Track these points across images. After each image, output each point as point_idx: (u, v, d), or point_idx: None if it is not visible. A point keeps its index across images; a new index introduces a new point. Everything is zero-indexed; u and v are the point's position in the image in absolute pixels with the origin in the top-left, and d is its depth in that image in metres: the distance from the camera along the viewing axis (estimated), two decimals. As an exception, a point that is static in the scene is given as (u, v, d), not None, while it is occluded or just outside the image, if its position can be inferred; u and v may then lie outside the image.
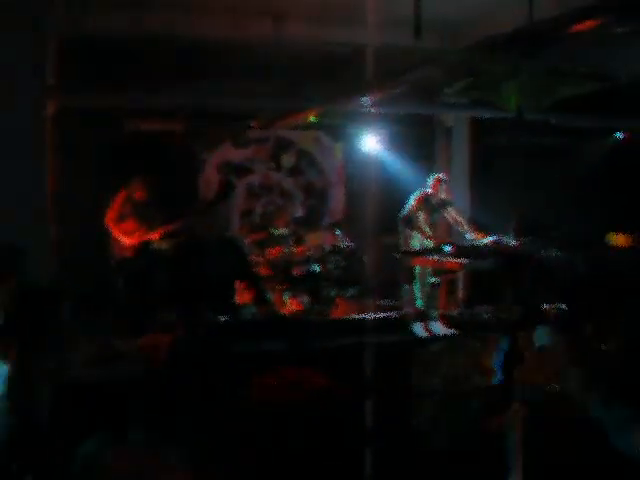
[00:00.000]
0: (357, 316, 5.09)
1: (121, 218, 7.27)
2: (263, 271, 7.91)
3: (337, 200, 10.61)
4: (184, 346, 4.17)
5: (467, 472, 2.97)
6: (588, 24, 4.60)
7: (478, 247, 7.50)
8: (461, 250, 7.37)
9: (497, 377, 3.36)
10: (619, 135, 9.40)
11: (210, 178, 9.75)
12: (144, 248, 7.20)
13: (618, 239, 7.68)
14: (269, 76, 7.50)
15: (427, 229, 8.24)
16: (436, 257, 7.58)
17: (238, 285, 5.64)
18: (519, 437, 2.82)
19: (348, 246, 8.55)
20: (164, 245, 7.22)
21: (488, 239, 7.61)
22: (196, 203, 9.32)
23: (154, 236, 7.25)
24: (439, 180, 8.30)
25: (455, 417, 3.24)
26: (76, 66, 7.27)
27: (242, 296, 6.46)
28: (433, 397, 3.35)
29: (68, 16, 6.88)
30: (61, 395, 3.64)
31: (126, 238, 7.22)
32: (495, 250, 7.36)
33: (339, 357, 4.04)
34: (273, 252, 8.28)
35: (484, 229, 8.03)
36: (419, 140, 10.20)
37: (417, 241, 8.22)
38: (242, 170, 10.01)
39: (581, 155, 9.78)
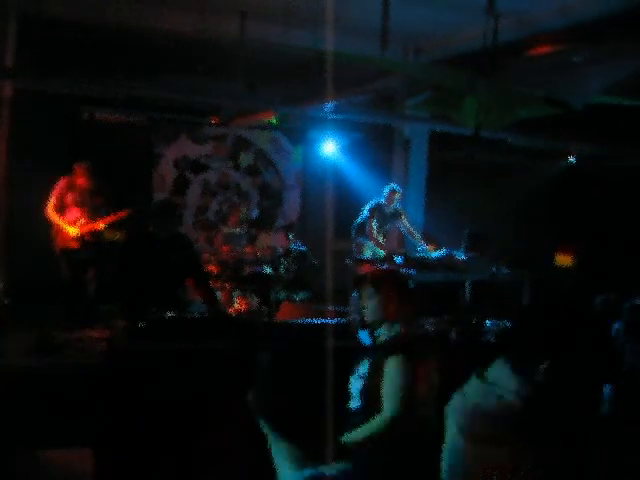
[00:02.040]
0: (301, 320, 5.10)
1: (63, 206, 7.06)
2: (213, 269, 7.87)
3: (292, 203, 10.63)
4: (124, 340, 4.12)
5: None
6: (546, 49, 4.71)
7: (428, 259, 7.59)
8: (411, 261, 7.44)
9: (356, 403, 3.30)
10: (572, 158, 9.60)
11: (165, 172, 9.67)
12: (88, 238, 7.04)
13: (563, 259, 7.85)
14: (231, 74, 7.47)
15: (380, 238, 8.30)
16: (386, 266, 7.64)
17: (187, 282, 5.59)
18: None
19: (300, 250, 8.55)
20: (111, 236, 7.09)
21: (439, 252, 7.71)
22: (148, 196, 9.23)
23: (98, 225, 7.07)
24: (394, 191, 8.37)
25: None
26: (35, 49, 7.16)
27: (191, 293, 6.43)
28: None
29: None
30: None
31: (69, 227, 7.00)
32: (444, 264, 7.46)
33: (280, 360, 4.05)
34: (225, 251, 8.25)
35: (437, 242, 8.13)
36: (377, 149, 10.27)
37: (369, 249, 8.28)
38: (199, 166, 9.94)
39: (534, 175, 9.97)
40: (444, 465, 2.32)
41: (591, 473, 2.28)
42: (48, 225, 7.07)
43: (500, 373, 2.25)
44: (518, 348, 2.35)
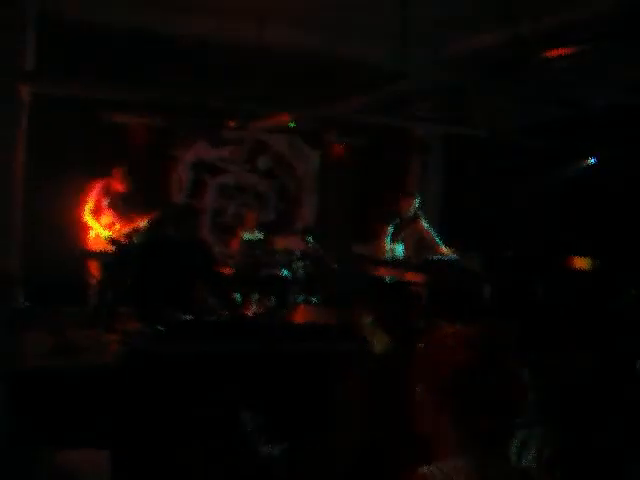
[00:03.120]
0: (319, 322, 5.10)
1: (98, 210, 7.09)
2: (230, 272, 7.89)
3: (310, 206, 10.62)
4: (141, 342, 4.14)
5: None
6: (562, 50, 4.67)
7: (443, 262, 7.56)
8: (426, 264, 7.42)
9: None
10: (591, 160, 9.51)
11: (182, 175, 9.70)
12: (122, 241, 7.06)
13: (579, 262, 7.76)
14: (249, 77, 7.49)
15: (398, 242, 8.28)
16: (400, 269, 7.63)
17: (202, 285, 5.62)
18: None
19: (318, 253, 8.54)
20: (132, 240, 7.13)
21: (453, 255, 7.68)
22: (165, 199, 9.26)
23: (137, 225, 7.07)
24: (411, 196, 8.35)
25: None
26: (53, 52, 7.21)
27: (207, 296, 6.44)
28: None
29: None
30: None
31: (102, 230, 7.03)
32: (458, 266, 7.43)
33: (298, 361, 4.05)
34: (241, 253, 8.25)
35: (452, 245, 8.09)
36: (394, 152, 10.25)
37: (388, 253, 8.25)
38: (216, 169, 9.97)
39: (552, 178, 9.89)
40: None
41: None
42: (67, 227, 7.12)
43: None
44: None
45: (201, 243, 5.70)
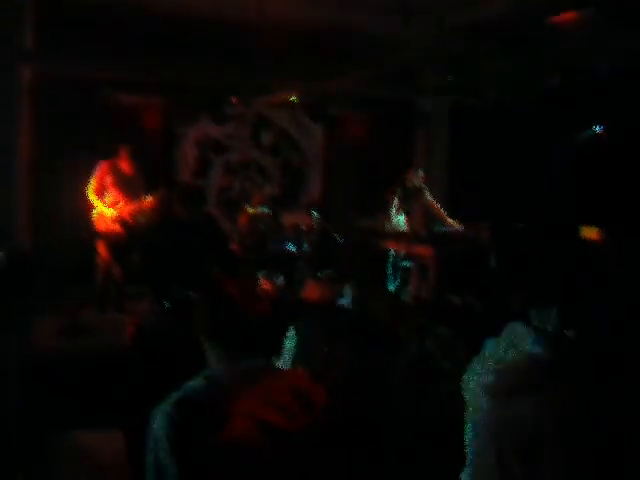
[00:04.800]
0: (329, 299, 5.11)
1: (104, 189, 7.07)
2: (237, 248, 7.89)
3: (315, 181, 10.59)
4: (153, 321, 4.16)
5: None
6: (570, 15, 4.61)
7: (450, 234, 7.56)
8: (433, 236, 7.42)
9: None
10: (597, 129, 9.44)
11: (187, 153, 9.67)
12: (128, 220, 7.03)
13: (591, 233, 7.72)
14: (252, 53, 7.44)
15: (402, 215, 8.26)
16: (408, 241, 7.63)
17: (213, 262, 5.61)
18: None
19: (324, 227, 8.54)
20: (138, 219, 7.10)
21: (460, 227, 7.68)
22: (170, 177, 9.23)
23: (144, 204, 7.04)
24: (415, 167, 8.33)
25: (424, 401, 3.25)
26: (54, 31, 7.16)
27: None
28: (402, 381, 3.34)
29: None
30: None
31: (108, 209, 7.02)
32: (467, 238, 7.42)
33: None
34: (248, 230, 8.25)
35: (459, 217, 8.08)
36: (399, 124, 10.19)
37: (400, 224, 8.25)
38: (220, 146, 9.93)
39: (560, 147, 9.82)
40: (468, 426, 2.33)
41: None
42: (74, 207, 7.11)
43: (515, 330, 2.28)
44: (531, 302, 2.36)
45: (209, 220, 5.67)
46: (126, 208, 7.04)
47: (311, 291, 6.66)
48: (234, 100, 9.43)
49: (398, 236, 7.97)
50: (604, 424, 2.07)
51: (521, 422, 2.07)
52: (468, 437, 2.28)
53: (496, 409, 2.18)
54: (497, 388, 2.19)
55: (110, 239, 7.06)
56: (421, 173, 8.29)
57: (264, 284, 7.82)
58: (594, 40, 6.37)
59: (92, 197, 7.00)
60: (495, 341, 2.34)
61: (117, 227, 7.01)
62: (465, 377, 2.38)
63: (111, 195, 7.06)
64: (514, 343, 2.25)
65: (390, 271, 8.29)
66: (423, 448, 2.97)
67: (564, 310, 2.26)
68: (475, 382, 2.29)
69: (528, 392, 2.11)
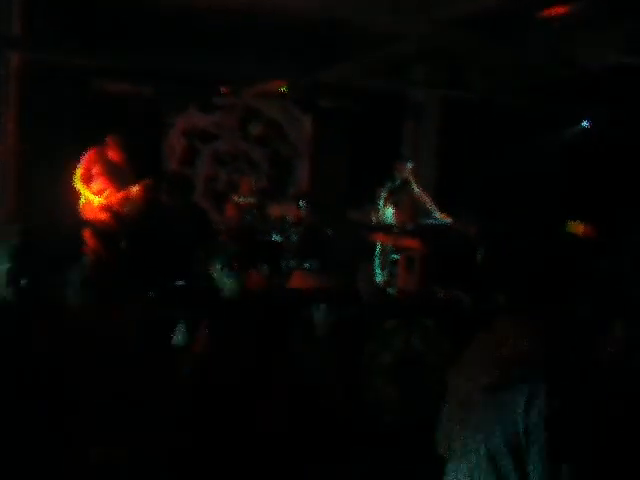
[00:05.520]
0: (315, 288, 5.11)
1: (91, 177, 7.03)
2: (224, 238, 7.87)
3: (303, 171, 10.57)
4: (139, 311, 4.14)
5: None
6: (558, 10, 4.62)
7: (438, 227, 7.58)
8: (421, 229, 7.43)
9: None
10: (586, 123, 9.47)
11: (174, 142, 9.63)
12: (115, 209, 7.00)
13: (578, 228, 7.75)
14: (241, 43, 7.40)
15: (390, 207, 8.27)
16: (396, 234, 7.64)
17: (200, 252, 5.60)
18: None
19: (311, 218, 8.52)
20: (125, 207, 7.08)
21: (449, 220, 7.70)
22: (158, 167, 9.20)
23: (131, 193, 7.00)
24: (404, 162, 8.33)
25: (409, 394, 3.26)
26: (42, 18, 7.10)
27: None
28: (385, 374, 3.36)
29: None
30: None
31: (95, 198, 6.98)
32: (454, 231, 7.44)
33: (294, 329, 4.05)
34: (235, 220, 8.23)
35: (448, 209, 8.10)
36: (388, 116, 10.18)
37: (388, 216, 8.25)
38: (208, 136, 9.90)
39: (548, 141, 9.86)
40: (456, 421, 2.35)
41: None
42: (60, 194, 7.08)
43: (503, 324, 2.29)
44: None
45: (196, 209, 5.66)
46: (113, 196, 7.01)
47: (297, 281, 6.66)
48: (223, 90, 9.41)
49: (386, 228, 7.98)
50: (591, 420, 2.09)
51: (512, 418, 2.08)
52: (456, 432, 2.29)
53: (486, 403, 2.19)
54: (487, 383, 2.20)
55: (97, 227, 7.03)
56: (410, 165, 8.29)
57: (251, 274, 7.82)
58: (582, 34, 6.39)
59: (79, 185, 6.97)
60: (483, 335, 2.34)
61: (104, 215, 6.99)
62: (452, 370, 2.39)
63: (98, 183, 7.03)
64: (502, 338, 2.25)
65: (378, 263, 8.30)
66: (407, 436, 2.99)
67: (550, 306, 2.27)
68: (465, 376, 2.29)
69: (517, 387, 2.12)
